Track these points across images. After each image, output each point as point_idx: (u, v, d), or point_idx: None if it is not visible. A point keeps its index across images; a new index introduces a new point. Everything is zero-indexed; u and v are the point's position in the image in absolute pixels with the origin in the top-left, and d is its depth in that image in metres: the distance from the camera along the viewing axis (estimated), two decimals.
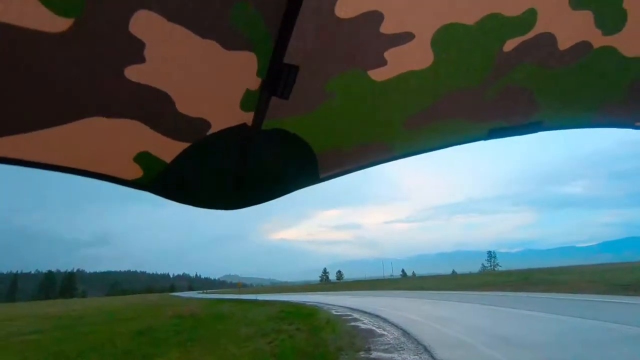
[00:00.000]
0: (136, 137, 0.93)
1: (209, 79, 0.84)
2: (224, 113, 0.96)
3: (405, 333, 10.02)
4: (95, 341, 13.65)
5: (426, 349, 7.88)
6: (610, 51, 0.94)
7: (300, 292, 58.90)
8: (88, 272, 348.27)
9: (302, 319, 16.36)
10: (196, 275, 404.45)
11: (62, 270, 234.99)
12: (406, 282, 58.49)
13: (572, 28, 0.87)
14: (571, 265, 72.37)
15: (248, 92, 0.89)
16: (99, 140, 0.90)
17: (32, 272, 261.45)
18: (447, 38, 0.84)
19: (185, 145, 1.01)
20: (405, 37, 0.82)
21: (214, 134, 1.00)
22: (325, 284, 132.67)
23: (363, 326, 12.31)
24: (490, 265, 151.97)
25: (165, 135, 0.95)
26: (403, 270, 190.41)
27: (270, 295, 52.69)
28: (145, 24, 0.65)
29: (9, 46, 0.63)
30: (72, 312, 35.29)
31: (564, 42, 0.91)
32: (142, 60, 0.72)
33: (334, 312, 18.36)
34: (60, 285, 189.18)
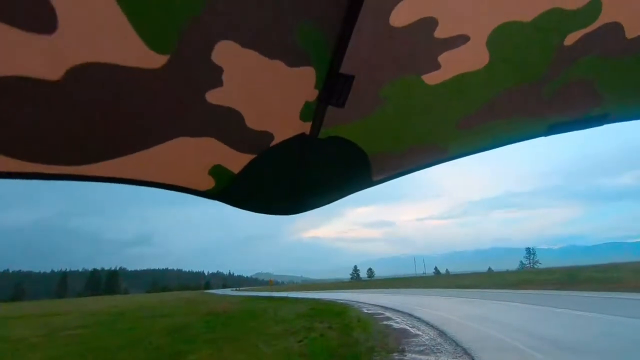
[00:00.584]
0: (212, 152, 1.00)
1: (273, 95, 0.89)
2: (285, 125, 1.00)
3: (441, 333, 9.47)
4: (132, 337, 13.96)
5: (466, 352, 7.33)
6: None
7: (331, 289, 58.72)
8: (130, 270, 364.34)
9: (333, 317, 16.08)
10: (229, 272, 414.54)
11: (107, 268, 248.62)
12: (439, 280, 56.77)
13: None
14: (620, 262, 67.51)
15: (307, 104, 0.93)
16: (180, 157, 0.98)
17: (80, 270, 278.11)
18: (503, 37, 0.82)
19: (252, 156, 1.08)
20: (460, 40, 0.81)
21: (276, 144, 1.06)
22: (356, 282, 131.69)
23: (396, 325, 11.83)
24: (530, 263, 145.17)
25: (234, 148, 1.02)
26: (436, 268, 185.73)
27: (301, 292, 52.80)
28: (224, 52, 0.72)
29: (111, 82, 0.71)
30: (113, 308, 36.98)
31: (632, 31, 0.86)
32: (220, 84, 0.79)
33: (365, 311, 17.95)
34: (105, 282, 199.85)
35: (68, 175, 0.92)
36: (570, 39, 0.86)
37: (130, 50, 0.66)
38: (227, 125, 0.94)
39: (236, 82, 0.80)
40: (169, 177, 1.07)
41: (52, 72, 0.66)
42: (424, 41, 0.80)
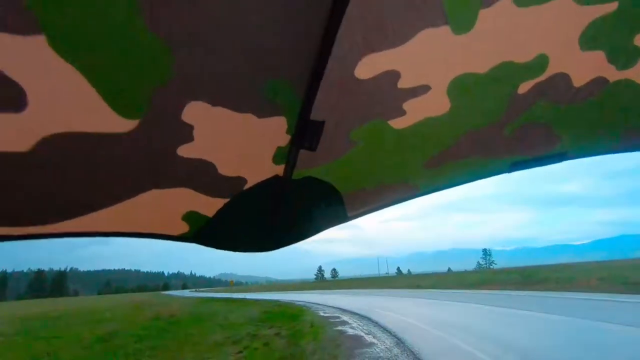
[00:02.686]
0: (184, 200, 1.04)
1: (245, 144, 0.93)
2: (258, 169, 1.05)
3: (399, 342, 8.24)
4: (43, 349, 11.86)
5: None
6: (628, 83, 0.96)
7: (293, 290, 57.36)
8: (82, 270, 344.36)
9: (286, 321, 14.83)
10: (191, 273, 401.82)
11: (56, 269, 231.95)
12: (402, 281, 56.89)
13: (585, 67, 0.89)
14: (567, 262, 71.28)
15: (279, 149, 0.97)
16: (152, 207, 1.01)
17: (25, 270, 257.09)
18: (461, 86, 0.88)
19: (225, 200, 1.11)
20: (422, 89, 0.87)
21: (250, 187, 1.09)
22: (320, 282, 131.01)
23: (350, 332, 10.53)
24: (486, 263, 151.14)
25: (208, 194, 1.05)
26: (398, 268, 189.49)
27: (262, 294, 51.18)
28: (194, 112, 0.76)
29: (82, 148, 0.75)
30: (53, 312, 34.50)
31: (579, 80, 0.93)
32: (191, 139, 0.83)
33: (321, 314, 16.71)
34: (51, 284, 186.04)
35: (44, 234, 0.94)
36: (523, 88, 0.93)
37: (99, 118, 0.70)
38: (200, 175, 0.96)
39: (207, 136, 0.83)
40: (142, 226, 1.10)
41: (22, 144, 0.70)
42: (389, 90, 0.85)
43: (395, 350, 7.43)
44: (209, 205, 1.11)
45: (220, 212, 1.14)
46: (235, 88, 0.76)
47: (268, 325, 14.11)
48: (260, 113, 0.83)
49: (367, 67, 0.78)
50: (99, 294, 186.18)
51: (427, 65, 0.82)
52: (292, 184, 1.10)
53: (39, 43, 0.57)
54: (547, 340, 7.20)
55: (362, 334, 9.95)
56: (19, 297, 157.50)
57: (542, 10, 0.76)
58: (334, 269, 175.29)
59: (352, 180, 1.18)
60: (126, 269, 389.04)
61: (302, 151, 0.96)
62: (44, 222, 0.92)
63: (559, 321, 9.44)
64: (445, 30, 0.75)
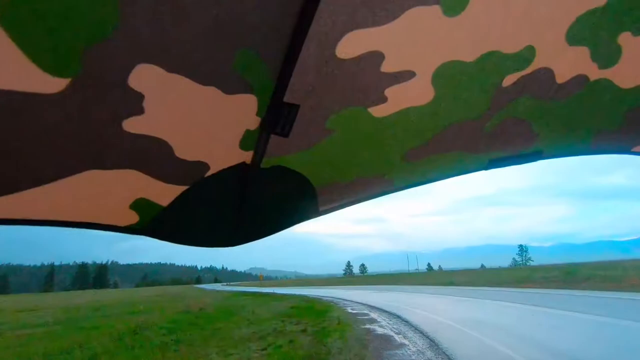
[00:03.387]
0: (133, 185, 0.92)
1: (208, 124, 0.83)
2: (223, 154, 0.95)
3: (432, 344, 7.63)
4: (81, 340, 12.31)
5: None
6: (606, 83, 0.96)
7: (321, 285, 57.27)
8: (122, 263, 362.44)
9: (313, 317, 14.55)
10: (223, 267, 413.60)
11: (98, 262, 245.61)
12: (432, 277, 55.38)
13: (569, 63, 0.89)
14: (612, 260, 66.77)
15: (247, 132, 0.89)
16: (94, 192, 0.89)
17: (71, 263, 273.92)
18: (447, 75, 0.85)
19: (183, 188, 1.01)
20: (406, 75, 0.83)
21: (212, 175, 1.00)
22: (348, 277, 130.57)
23: (379, 330, 10.00)
24: (522, 260, 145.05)
25: (162, 180, 0.94)
26: (429, 264, 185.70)
27: (290, 288, 51.44)
28: (144, 77, 0.66)
29: (8, 109, 0.64)
30: (94, 303, 36.39)
31: (562, 76, 0.92)
32: (141, 111, 0.73)
33: (349, 310, 16.28)
34: (94, 276, 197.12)
35: None
36: (508, 80, 0.91)
37: (18, 72, 0.59)
38: (152, 157, 0.85)
39: (161, 109, 0.74)
40: (81, 214, 0.96)
41: None
42: (371, 74, 0.80)
43: (429, 354, 6.83)
44: (164, 193, 0.99)
45: (177, 201, 1.02)
46: (198, 55, 0.66)
47: (295, 321, 13.86)
48: (227, 88, 0.74)
49: (350, 45, 0.72)
50: (137, 286, 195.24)
51: (413, 48, 0.77)
52: (260, 172, 1.02)
53: None
54: (600, 347, 6.36)
55: (392, 333, 9.39)
56: (65, 289, 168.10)
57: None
58: (362, 265, 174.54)
59: (325, 171, 1.11)
60: (162, 262, 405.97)
61: (272, 137, 0.89)
62: None
63: (610, 324, 8.46)
64: (435, 10, 0.71)
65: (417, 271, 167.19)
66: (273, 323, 13.66)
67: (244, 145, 0.93)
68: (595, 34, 0.83)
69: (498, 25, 0.77)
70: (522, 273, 40.23)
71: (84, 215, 0.97)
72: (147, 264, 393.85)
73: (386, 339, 8.64)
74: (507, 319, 10.37)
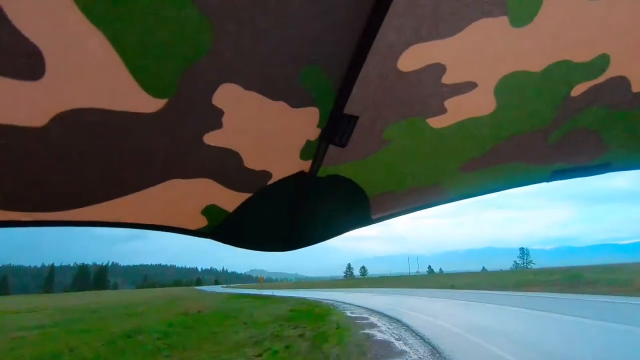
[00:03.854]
0: (206, 192, 0.98)
1: (274, 136, 0.87)
2: (285, 163, 0.99)
3: (434, 351, 7.28)
4: (71, 344, 11.97)
5: None
6: None
7: (321, 288, 56.84)
8: (122, 265, 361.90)
9: (311, 321, 14.21)
10: (223, 269, 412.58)
11: (99, 263, 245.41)
12: (433, 280, 54.90)
13: None
14: (615, 263, 66.21)
15: (308, 142, 0.91)
16: (173, 199, 0.95)
17: (71, 265, 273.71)
18: (511, 86, 0.82)
19: (248, 195, 1.05)
20: (467, 86, 0.81)
21: (274, 183, 1.03)
22: (348, 280, 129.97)
23: (379, 336, 9.65)
24: (523, 263, 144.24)
25: (231, 188, 0.99)
26: (430, 267, 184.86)
27: (290, 291, 51.03)
28: (226, 95, 0.71)
29: (102, 126, 0.69)
30: (92, 304, 36.66)
31: (638, 84, 0.87)
32: (219, 126, 0.77)
33: (348, 314, 15.92)
34: (94, 278, 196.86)
35: (54, 222, 0.88)
36: (578, 90, 0.86)
37: (125, 94, 0.64)
38: (224, 166, 0.91)
39: (236, 123, 0.78)
40: (160, 218, 1.04)
41: (37, 118, 0.64)
42: (432, 85, 0.79)
43: None
44: (231, 200, 1.04)
45: (241, 208, 1.08)
46: (271, 72, 0.70)
47: (293, 324, 13.52)
48: (294, 102, 0.77)
49: (412, 59, 0.72)
50: (137, 287, 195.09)
51: (477, 60, 0.75)
52: (316, 181, 1.05)
53: (64, 1, 0.50)
54: (615, 355, 6.00)
55: (392, 339, 9.03)
56: (65, 290, 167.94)
57: (612, 4, 0.69)
58: (363, 267, 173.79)
59: (380, 181, 1.12)
60: (162, 264, 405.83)
61: (330, 147, 0.91)
62: (52, 209, 0.83)
63: (624, 332, 8.10)
64: (502, 21, 0.69)
65: (418, 274, 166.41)
66: (271, 327, 13.33)
67: (303, 154, 0.95)
68: None
69: (569, 33, 0.73)
70: (524, 276, 39.78)
71: (161, 219, 1.03)
72: (148, 265, 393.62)
73: (386, 346, 8.29)
74: (512, 324, 10.01)
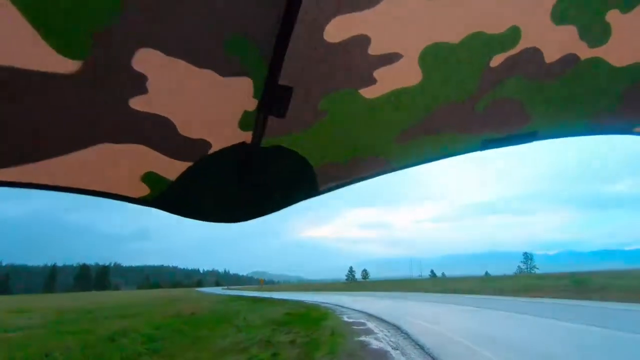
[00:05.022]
0: (142, 159, 0.99)
1: (208, 104, 0.90)
2: (224, 133, 1.01)
3: None
4: (49, 347, 11.31)
5: None
6: (598, 61, 0.95)
7: (322, 291, 56.05)
8: (125, 265, 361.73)
9: (306, 326, 13.52)
10: (225, 271, 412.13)
11: (101, 263, 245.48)
12: (436, 284, 53.93)
13: (557, 42, 0.89)
14: (620, 269, 65.03)
15: (246, 113, 0.94)
16: (107, 164, 0.97)
17: (74, 265, 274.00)
18: (433, 56, 0.86)
19: (188, 164, 1.07)
20: (393, 57, 0.85)
21: (215, 152, 1.06)
22: (350, 283, 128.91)
23: (374, 345, 8.87)
24: (527, 268, 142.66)
25: (169, 156, 1.01)
26: (432, 271, 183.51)
27: (289, 293, 50.32)
28: (146, 60, 0.72)
29: (23, 88, 0.71)
30: (89, 305, 36.17)
31: (550, 56, 0.92)
32: (145, 91, 0.79)
33: (345, 319, 15.16)
34: (95, 278, 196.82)
35: None
36: (496, 61, 0.91)
37: (36, 54, 0.66)
38: (157, 133, 0.92)
39: (163, 90, 0.80)
40: (96, 183, 1.05)
41: None
42: (359, 56, 0.83)
43: None
44: (171, 168, 1.05)
45: (184, 177, 1.08)
46: (192, 39, 0.71)
47: (286, 329, 12.81)
48: (223, 71, 0.79)
49: (337, 30, 0.75)
50: (138, 288, 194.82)
51: (399, 31, 0.79)
52: (260, 152, 1.07)
53: None
54: None
55: (389, 348, 8.25)
56: (67, 290, 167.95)
57: None
58: (364, 270, 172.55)
59: (323, 152, 1.14)
60: (165, 265, 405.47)
61: (271, 118, 0.92)
62: None
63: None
64: None
65: (421, 277, 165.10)
66: (262, 331, 12.63)
67: (243, 125, 0.96)
68: (581, 12, 0.81)
69: (480, 6, 0.77)
70: (529, 281, 38.81)
71: (99, 184, 1.03)
72: (149, 266, 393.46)
73: (381, 356, 7.51)
74: (518, 333, 9.20)
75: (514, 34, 0.84)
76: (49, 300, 49.91)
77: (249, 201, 1.26)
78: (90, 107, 0.79)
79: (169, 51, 0.71)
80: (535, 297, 21.01)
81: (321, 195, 1.32)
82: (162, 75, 0.75)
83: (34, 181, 0.93)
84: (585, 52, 0.91)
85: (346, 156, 1.18)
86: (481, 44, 0.85)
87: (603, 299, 17.32)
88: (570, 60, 0.93)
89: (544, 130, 1.20)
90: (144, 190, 1.10)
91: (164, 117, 0.86)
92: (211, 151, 1.03)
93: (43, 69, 0.67)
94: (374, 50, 0.81)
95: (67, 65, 0.68)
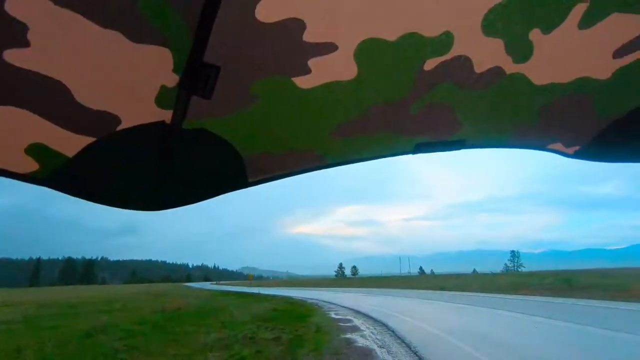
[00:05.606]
0: (24, 126, 0.87)
1: (113, 71, 0.80)
2: (136, 109, 0.92)
3: None
4: (22, 344, 10.89)
5: None
6: (520, 78, 0.97)
7: (311, 287, 55.93)
8: (112, 259, 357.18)
9: (291, 322, 13.30)
10: (214, 266, 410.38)
11: (88, 257, 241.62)
12: (424, 281, 54.23)
13: (486, 53, 0.90)
14: (604, 268, 66.38)
15: (164, 89, 0.86)
16: None
17: (59, 258, 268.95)
18: (369, 52, 0.85)
19: (90, 139, 0.96)
20: (328, 48, 0.83)
21: (126, 129, 0.96)
22: (339, 279, 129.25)
23: (360, 342, 8.63)
24: (514, 266, 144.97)
25: (64, 127, 0.90)
26: (421, 268, 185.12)
27: (278, 289, 50.13)
28: (25, 5, 0.62)
29: None
30: (73, 299, 35.46)
31: (479, 66, 0.94)
32: (25, 44, 0.68)
33: (332, 315, 14.97)
34: (81, 272, 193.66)
35: None
36: (429, 65, 0.90)
37: None
38: (46, 97, 0.80)
39: (50, 45, 0.69)
40: None
41: None
42: (293, 42, 0.79)
43: None
44: (67, 142, 0.92)
45: (85, 154, 0.96)
46: None
47: (271, 326, 12.54)
48: (134, 36, 0.69)
49: (270, 10, 0.70)
50: (125, 283, 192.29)
51: (335, 20, 0.76)
52: (183, 134, 0.98)
53: None
54: None
55: (375, 346, 8.01)
56: (52, 284, 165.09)
57: None
58: (354, 267, 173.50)
59: (253, 140, 1.08)
60: (153, 259, 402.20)
61: (195, 98, 0.85)
62: None
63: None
64: None
65: (409, 274, 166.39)
66: (247, 327, 12.33)
67: (160, 102, 0.88)
68: (508, 27, 0.83)
69: (417, 6, 0.76)
70: (516, 279, 39.22)
71: None
72: (137, 260, 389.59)
73: (366, 354, 7.26)
74: (506, 332, 9.07)
75: (447, 39, 0.83)
76: (32, 295, 48.94)
77: (168, 188, 1.15)
78: None
79: (57, 0, 0.58)
80: (522, 294, 21.12)
81: (250, 187, 1.23)
82: (49, 27, 0.64)
83: None
84: (510, 66, 0.93)
85: (280, 148, 1.13)
86: (416, 46, 0.84)
87: (589, 297, 17.42)
88: (496, 72, 0.94)
89: (471, 140, 1.21)
90: (30, 165, 0.95)
91: (52, 78, 0.74)
92: (120, 127, 0.92)
93: None
94: (308, 37, 0.77)
95: None
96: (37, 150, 0.91)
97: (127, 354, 9.07)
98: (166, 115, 0.93)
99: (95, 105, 0.84)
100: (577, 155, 1.28)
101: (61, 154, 0.95)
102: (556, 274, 40.16)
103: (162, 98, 0.86)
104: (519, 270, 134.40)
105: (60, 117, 0.85)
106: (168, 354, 8.88)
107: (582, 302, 15.72)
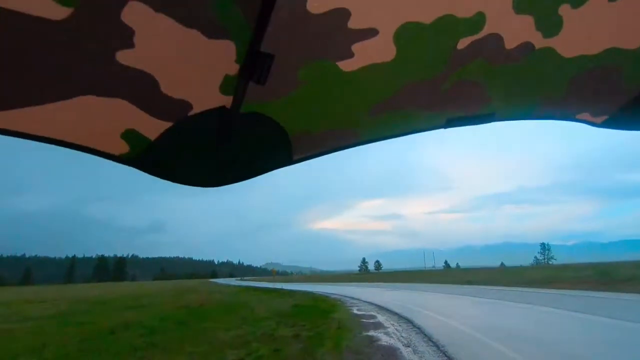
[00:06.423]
0: (124, 115, 1.00)
1: (190, 64, 0.91)
2: (205, 96, 1.02)
3: None
4: (41, 341, 10.94)
5: None
6: (550, 52, 1.02)
7: (334, 282, 55.63)
8: (141, 257, 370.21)
9: (313, 318, 12.95)
10: (239, 262, 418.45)
11: (119, 255, 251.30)
12: (450, 275, 52.82)
13: (516, 30, 0.95)
14: None
15: (227, 77, 0.96)
16: (90, 116, 0.97)
17: (94, 256, 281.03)
18: (407, 35, 0.91)
19: (168, 124, 1.08)
20: (370, 33, 0.89)
21: (195, 114, 1.07)
22: (362, 274, 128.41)
23: (384, 340, 8.11)
24: (544, 259, 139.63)
25: (150, 114, 1.02)
26: (446, 262, 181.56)
27: (301, 284, 50.07)
28: (135, 14, 0.74)
29: (11, 30, 0.71)
30: (104, 295, 36.56)
31: (510, 42, 0.99)
32: (131, 45, 0.80)
33: (354, 311, 14.50)
34: (113, 269, 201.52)
35: None
36: (462, 44, 0.96)
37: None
38: (141, 90, 0.93)
39: (149, 45, 0.81)
40: (75, 136, 1.04)
41: None
42: (339, 30, 0.86)
43: None
44: (151, 127, 1.05)
45: (164, 137, 1.08)
46: None
47: (292, 322, 12.22)
48: (208, 33, 0.81)
49: (320, 1, 0.78)
50: (154, 279, 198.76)
51: (377, 8, 0.83)
52: (239, 117, 1.08)
53: None
54: None
55: (400, 345, 7.48)
56: (86, 281, 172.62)
57: None
58: (377, 261, 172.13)
59: (299, 121, 1.16)
60: (180, 256, 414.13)
61: (251, 84, 0.93)
62: None
63: None
64: None
65: (434, 268, 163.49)
66: (267, 324, 12.07)
67: (224, 89, 0.97)
68: (538, 3, 0.88)
69: None
70: (546, 272, 37.42)
71: (77, 137, 1.01)
72: (166, 258, 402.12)
73: (390, 354, 6.75)
74: (545, 329, 8.32)
75: (480, 19, 0.89)
76: (66, 291, 50.95)
77: (225, 166, 1.25)
78: (76, 57, 0.78)
79: (157, 7, 0.71)
80: (556, 288, 19.90)
81: (294, 164, 1.33)
82: (150, 30, 0.76)
83: (11, 128, 0.90)
84: (540, 41, 0.98)
85: (321, 127, 1.20)
86: (450, 27, 0.89)
87: (629, 290, 16.14)
88: (526, 48, 1.00)
89: (500, 113, 1.26)
90: (123, 148, 1.07)
91: (148, 73, 0.86)
92: (191, 113, 1.03)
93: (32, 12, 0.67)
94: (353, 24, 0.83)
95: (56, 11, 0.67)
96: (130, 135, 1.03)
97: (146, 351, 8.96)
98: (227, 101, 1.01)
99: (175, 94, 0.95)
100: (605, 124, 1.31)
101: (146, 137, 1.05)
102: (593, 266, 38.04)
103: (225, 85, 0.96)
104: (550, 263, 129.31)
105: (149, 105, 0.96)
106: (185, 351, 8.69)
107: (627, 296, 14.55)
